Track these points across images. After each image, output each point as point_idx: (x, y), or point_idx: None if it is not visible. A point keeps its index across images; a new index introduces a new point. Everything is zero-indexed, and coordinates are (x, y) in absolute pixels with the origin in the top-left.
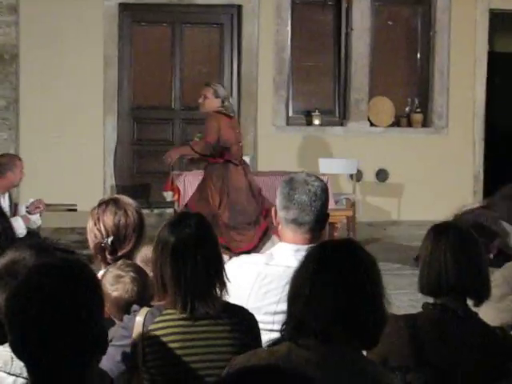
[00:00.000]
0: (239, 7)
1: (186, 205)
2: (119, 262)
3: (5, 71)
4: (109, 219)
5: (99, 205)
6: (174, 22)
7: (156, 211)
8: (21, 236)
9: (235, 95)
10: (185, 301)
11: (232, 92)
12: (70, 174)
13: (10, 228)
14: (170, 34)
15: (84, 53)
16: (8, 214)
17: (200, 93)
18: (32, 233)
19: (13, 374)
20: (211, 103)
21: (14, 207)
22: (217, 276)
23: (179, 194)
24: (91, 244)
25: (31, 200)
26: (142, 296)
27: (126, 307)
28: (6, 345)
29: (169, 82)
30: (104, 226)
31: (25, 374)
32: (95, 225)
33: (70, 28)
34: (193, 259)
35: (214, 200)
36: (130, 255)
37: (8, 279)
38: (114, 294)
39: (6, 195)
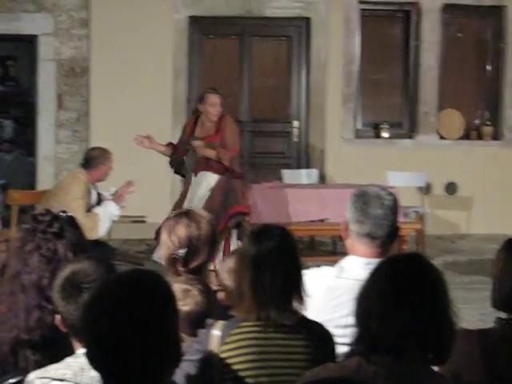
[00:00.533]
0: (307, 20)
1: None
2: (182, 277)
3: (76, 84)
4: (181, 231)
5: (173, 217)
6: (242, 34)
7: None
8: (115, 219)
9: (303, 107)
10: (261, 311)
11: (300, 104)
12: (140, 186)
13: (82, 238)
14: (238, 46)
15: (154, 65)
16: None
17: (215, 101)
18: (102, 243)
19: None
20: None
21: (98, 197)
22: (295, 288)
23: (248, 207)
24: (164, 256)
25: (113, 189)
26: (211, 308)
27: (196, 321)
28: (76, 355)
29: (237, 94)
30: (177, 238)
31: None
32: (169, 236)
33: (140, 41)
34: (272, 269)
35: None
36: (202, 267)
37: (70, 290)
38: (185, 308)
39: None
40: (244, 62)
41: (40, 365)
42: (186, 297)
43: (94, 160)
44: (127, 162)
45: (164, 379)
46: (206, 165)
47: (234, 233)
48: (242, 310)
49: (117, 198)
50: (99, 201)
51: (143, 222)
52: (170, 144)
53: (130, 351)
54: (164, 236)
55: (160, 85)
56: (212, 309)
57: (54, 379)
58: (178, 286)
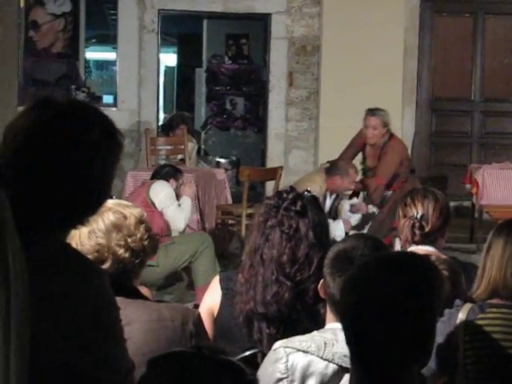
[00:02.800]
0: None
1: None
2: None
3: (307, 62)
4: (419, 201)
5: (409, 192)
6: (476, 12)
7: (453, 204)
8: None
9: None
10: None
11: None
12: None
13: (325, 219)
14: (471, 24)
15: (385, 43)
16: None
17: (369, 123)
18: None
19: (325, 359)
20: (380, 134)
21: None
22: None
23: (478, 187)
24: (401, 227)
25: (356, 200)
26: (456, 292)
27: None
28: (324, 330)
29: (469, 73)
30: (415, 206)
31: (337, 361)
32: (406, 206)
33: (372, 19)
34: None
35: None
36: (434, 234)
37: (343, 263)
38: None
39: (333, 196)
40: (477, 40)
41: (274, 338)
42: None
43: (334, 168)
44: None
45: (411, 371)
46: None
47: None
48: (492, 295)
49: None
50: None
51: None
52: None
53: (382, 337)
54: (400, 209)
55: (390, 63)
56: (460, 291)
57: (299, 350)
58: None
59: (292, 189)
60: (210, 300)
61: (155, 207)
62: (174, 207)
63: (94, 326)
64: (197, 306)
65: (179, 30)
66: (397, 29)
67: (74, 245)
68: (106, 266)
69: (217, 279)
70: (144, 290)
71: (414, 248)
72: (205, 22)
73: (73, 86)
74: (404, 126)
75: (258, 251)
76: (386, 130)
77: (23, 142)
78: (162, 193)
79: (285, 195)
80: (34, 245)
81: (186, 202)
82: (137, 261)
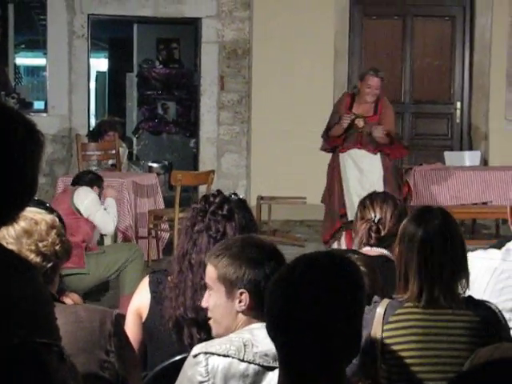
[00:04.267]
0: None
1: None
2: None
3: (238, 66)
4: (377, 204)
5: (369, 195)
6: (405, 14)
7: None
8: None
9: (467, 88)
10: (430, 293)
11: (463, 85)
12: (300, 166)
13: (252, 221)
14: (400, 26)
15: (315, 47)
16: None
17: (373, 84)
18: None
19: (246, 361)
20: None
21: None
22: (462, 269)
23: (409, 189)
24: (359, 229)
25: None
26: (374, 289)
27: None
28: (240, 331)
29: (399, 75)
30: (373, 210)
31: (258, 361)
32: (364, 208)
33: (301, 22)
34: (440, 250)
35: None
36: (390, 239)
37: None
38: None
39: None
40: (406, 42)
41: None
42: None
43: None
44: (288, 142)
45: (340, 369)
46: (361, 143)
47: None
48: (406, 291)
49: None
50: None
51: (304, 203)
52: None
53: (311, 334)
54: (359, 211)
55: (321, 66)
56: (376, 288)
57: (219, 355)
58: None
59: (219, 192)
60: (139, 301)
61: (81, 214)
62: (101, 212)
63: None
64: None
65: (110, 35)
66: (327, 32)
67: None
68: None
69: (146, 281)
70: (74, 297)
71: (367, 249)
72: (135, 27)
73: (2, 92)
74: None
75: (186, 256)
76: None
77: None
78: (86, 199)
79: (211, 199)
80: None
81: (111, 203)
82: (49, 265)
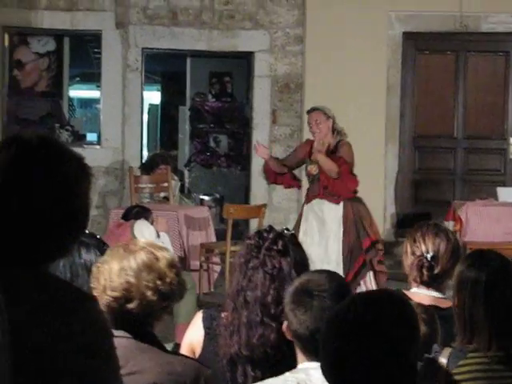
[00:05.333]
0: None
1: None
2: None
3: (290, 100)
4: (430, 239)
5: (419, 227)
6: (458, 50)
7: None
8: None
9: None
10: (497, 341)
11: None
12: None
13: (305, 257)
14: (453, 61)
15: (367, 81)
16: None
17: (311, 119)
18: None
19: None
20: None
21: None
22: None
23: (461, 224)
24: (407, 264)
25: None
26: (435, 337)
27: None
28: (296, 370)
29: (451, 110)
30: (425, 244)
31: None
32: (415, 242)
33: (354, 57)
34: (504, 296)
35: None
36: (443, 276)
37: (301, 296)
38: None
39: None
40: (459, 77)
41: (259, 381)
42: None
43: None
44: None
45: None
46: (322, 192)
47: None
48: (471, 341)
49: None
50: None
51: None
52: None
53: (366, 374)
54: (408, 244)
55: (373, 101)
56: (436, 337)
57: None
58: None
59: (271, 228)
60: (192, 337)
61: None
62: (164, 242)
63: (87, 356)
64: (178, 346)
65: (163, 68)
66: (379, 66)
67: (101, 280)
68: (131, 305)
69: (199, 316)
70: None
71: (415, 290)
72: (188, 61)
73: (57, 125)
74: (387, 163)
75: (240, 293)
76: (335, 130)
77: (1, 181)
78: (146, 231)
79: (265, 234)
80: (17, 279)
81: (165, 237)
82: (164, 304)
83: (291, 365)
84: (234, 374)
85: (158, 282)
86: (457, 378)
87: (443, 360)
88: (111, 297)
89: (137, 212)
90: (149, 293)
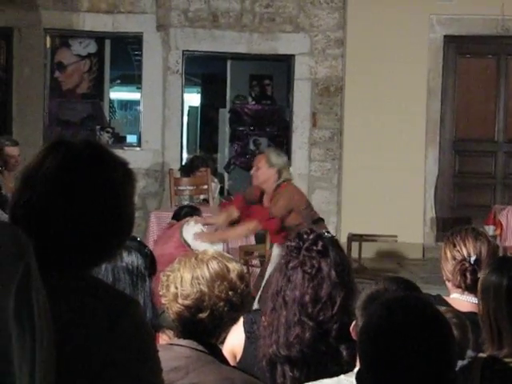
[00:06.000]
0: None
1: None
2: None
3: (330, 103)
4: (470, 242)
5: (457, 231)
6: (499, 53)
7: None
8: None
9: None
10: None
11: None
12: (391, 204)
13: (346, 259)
14: (495, 65)
15: (408, 84)
16: None
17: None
18: None
19: None
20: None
21: None
22: None
23: (501, 229)
24: (448, 270)
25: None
26: (465, 342)
27: None
28: (351, 373)
29: (492, 114)
30: (466, 248)
31: None
32: (455, 247)
33: (395, 60)
34: None
35: None
36: None
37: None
38: None
39: None
40: (500, 81)
41: (298, 382)
42: None
43: None
44: (379, 180)
45: None
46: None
47: None
48: (500, 347)
49: None
50: None
51: (395, 241)
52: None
53: (403, 379)
54: (448, 250)
55: (414, 104)
56: (467, 342)
57: None
58: None
59: (312, 230)
60: (233, 342)
61: (189, 247)
62: (205, 245)
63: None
64: None
65: (203, 71)
66: (420, 70)
67: (172, 288)
68: (203, 315)
69: (240, 321)
70: (170, 334)
71: (456, 296)
72: (229, 63)
73: (97, 127)
74: (427, 167)
75: (280, 293)
76: (277, 173)
77: (50, 186)
78: (194, 232)
79: (305, 236)
80: (62, 282)
81: (218, 246)
82: (233, 316)
83: (331, 367)
84: (273, 374)
85: (230, 293)
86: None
87: (477, 368)
88: (183, 305)
89: (186, 213)
90: (221, 303)
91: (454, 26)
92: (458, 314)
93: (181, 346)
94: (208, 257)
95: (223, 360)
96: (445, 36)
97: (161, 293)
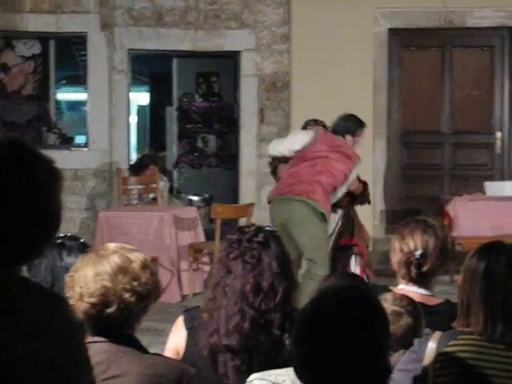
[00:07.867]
0: (510, 29)
1: None
2: (390, 297)
3: (277, 98)
4: (418, 236)
5: (407, 223)
6: (443, 45)
7: None
8: None
9: (506, 118)
10: (489, 326)
11: (503, 115)
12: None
13: (287, 254)
14: (439, 57)
15: (354, 78)
16: None
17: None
18: None
19: None
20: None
21: None
22: None
23: (449, 219)
24: (395, 261)
25: None
26: (419, 328)
27: (405, 341)
28: None
29: (438, 105)
30: (413, 241)
31: None
32: (403, 239)
33: (341, 54)
34: (505, 285)
35: None
36: (432, 274)
37: None
38: (395, 333)
39: None
40: (445, 73)
41: (239, 371)
42: (396, 321)
43: None
44: None
45: None
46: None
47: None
48: (465, 324)
49: None
50: None
51: None
52: None
53: (336, 370)
54: (397, 241)
55: (360, 98)
56: (420, 328)
57: (273, 383)
58: (388, 308)
59: (253, 224)
60: (175, 341)
61: None
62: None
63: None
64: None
65: (150, 69)
66: (366, 63)
67: (77, 288)
68: (111, 309)
69: (180, 319)
70: None
71: (403, 287)
72: (175, 61)
73: (44, 128)
74: (375, 159)
75: (220, 284)
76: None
77: None
78: None
79: (246, 229)
80: None
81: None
82: (142, 305)
83: (274, 357)
84: (215, 364)
85: (134, 284)
86: (446, 356)
87: (432, 343)
88: (89, 303)
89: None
90: (126, 295)
91: (398, 19)
92: (412, 300)
93: (98, 342)
94: (109, 252)
95: (142, 348)
96: (389, 29)
97: (68, 294)
